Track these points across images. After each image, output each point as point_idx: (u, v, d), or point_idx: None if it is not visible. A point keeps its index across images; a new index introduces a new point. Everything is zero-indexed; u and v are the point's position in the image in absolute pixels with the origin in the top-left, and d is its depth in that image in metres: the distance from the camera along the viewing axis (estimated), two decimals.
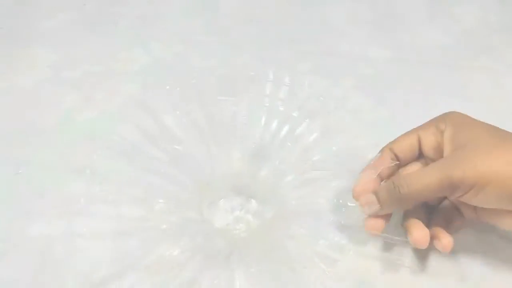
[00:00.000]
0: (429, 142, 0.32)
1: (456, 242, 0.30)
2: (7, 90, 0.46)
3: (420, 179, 0.29)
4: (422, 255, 0.33)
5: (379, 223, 0.31)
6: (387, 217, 0.32)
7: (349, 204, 0.32)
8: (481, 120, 0.31)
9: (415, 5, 0.58)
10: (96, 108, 0.44)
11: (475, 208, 0.31)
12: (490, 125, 0.31)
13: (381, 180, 0.33)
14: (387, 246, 0.34)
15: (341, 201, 0.34)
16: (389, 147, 0.33)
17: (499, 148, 0.28)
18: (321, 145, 0.39)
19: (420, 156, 0.33)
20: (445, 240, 0.30)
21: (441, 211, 0.33)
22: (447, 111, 0.32)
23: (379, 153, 0.33)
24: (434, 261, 0.33)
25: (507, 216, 0.29)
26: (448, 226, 0.32)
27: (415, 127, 0.33)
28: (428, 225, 0.31)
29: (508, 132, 0.30)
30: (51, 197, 0.37)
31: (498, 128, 0.30)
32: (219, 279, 0.31)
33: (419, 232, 0.30)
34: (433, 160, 0.32)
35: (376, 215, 0.31)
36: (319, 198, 0.36)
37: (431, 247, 0.31)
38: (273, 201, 0.36)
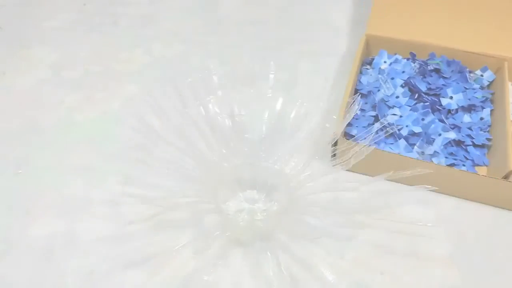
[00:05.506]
0: None
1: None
2: (7, 90, 0.46)
3: None
4: (421, 255, 0.33)
5: None
6: None
7: None
8: None
9: None
10: (96, 108, 0.44)
11: None
12: None
13: None
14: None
15: None
16: None
17: None
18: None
19: None
20: None
21: None
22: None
23: None
24: (434, 260, 0.33)
25: None
26: None
27: None
28: None
29: None
30: (51, 197, 0.37)
31: None
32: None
33: None
34: None
35: None
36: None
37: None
38: (283, 189, 0.36)
